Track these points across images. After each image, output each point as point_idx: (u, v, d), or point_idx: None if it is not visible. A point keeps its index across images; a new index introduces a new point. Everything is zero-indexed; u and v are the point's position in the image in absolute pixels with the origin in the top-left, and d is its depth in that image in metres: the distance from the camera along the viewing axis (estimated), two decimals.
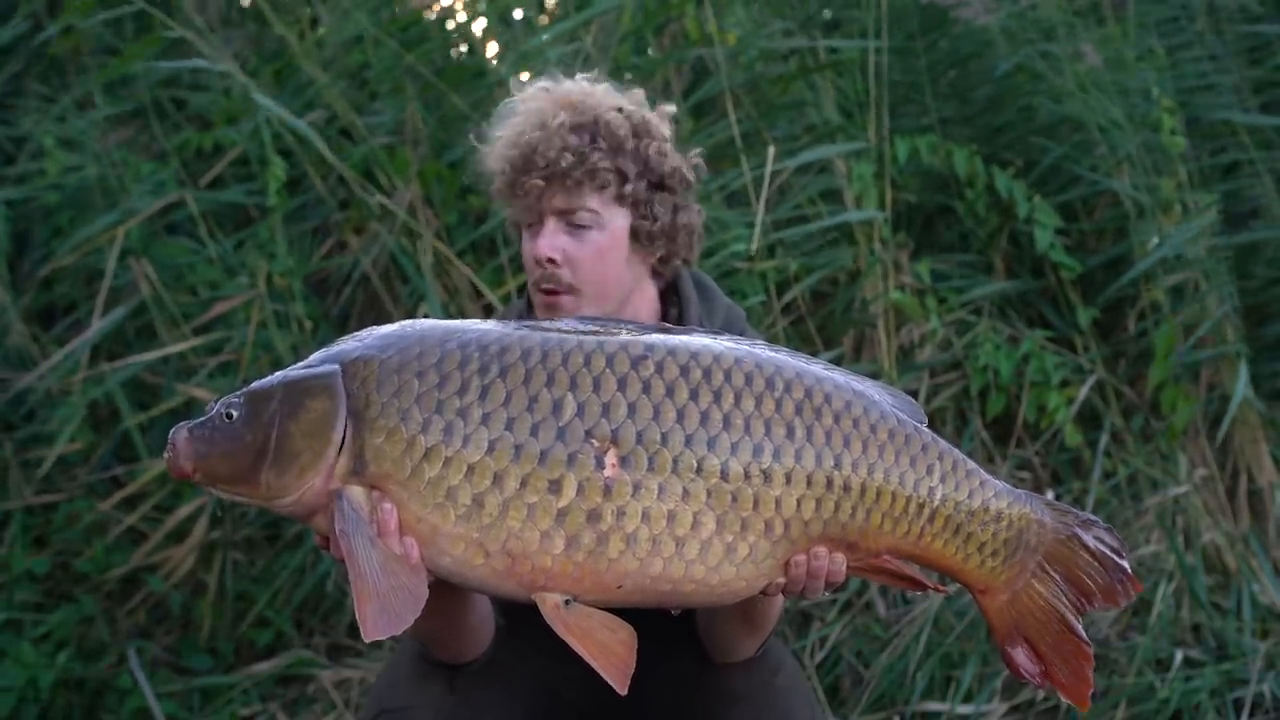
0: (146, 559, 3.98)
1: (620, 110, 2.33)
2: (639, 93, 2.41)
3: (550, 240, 2.29)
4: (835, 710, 3.71)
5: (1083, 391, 4.13)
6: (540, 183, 2.29)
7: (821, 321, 4.16)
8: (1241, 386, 4.03)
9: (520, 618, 2.25)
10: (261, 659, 3.95)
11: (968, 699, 3.68)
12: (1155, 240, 4.18)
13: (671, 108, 2.44)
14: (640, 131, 2.33)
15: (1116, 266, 4.34)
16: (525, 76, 4.06)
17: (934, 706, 3.67)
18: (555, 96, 2.34)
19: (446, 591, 1.95)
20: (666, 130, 2.37)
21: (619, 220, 2.31)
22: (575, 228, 2.30)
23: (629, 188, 2.30)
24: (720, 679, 2.30)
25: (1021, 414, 4.12)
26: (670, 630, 2.27)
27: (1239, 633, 3.81)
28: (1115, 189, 4.30)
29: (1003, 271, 4.36)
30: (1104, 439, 4.14)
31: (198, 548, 3.95)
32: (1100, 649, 3.81)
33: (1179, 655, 3.73)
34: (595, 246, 2.30)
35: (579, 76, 2.41)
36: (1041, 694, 3.72)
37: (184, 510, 3.93)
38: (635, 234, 2.32)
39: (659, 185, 2.33)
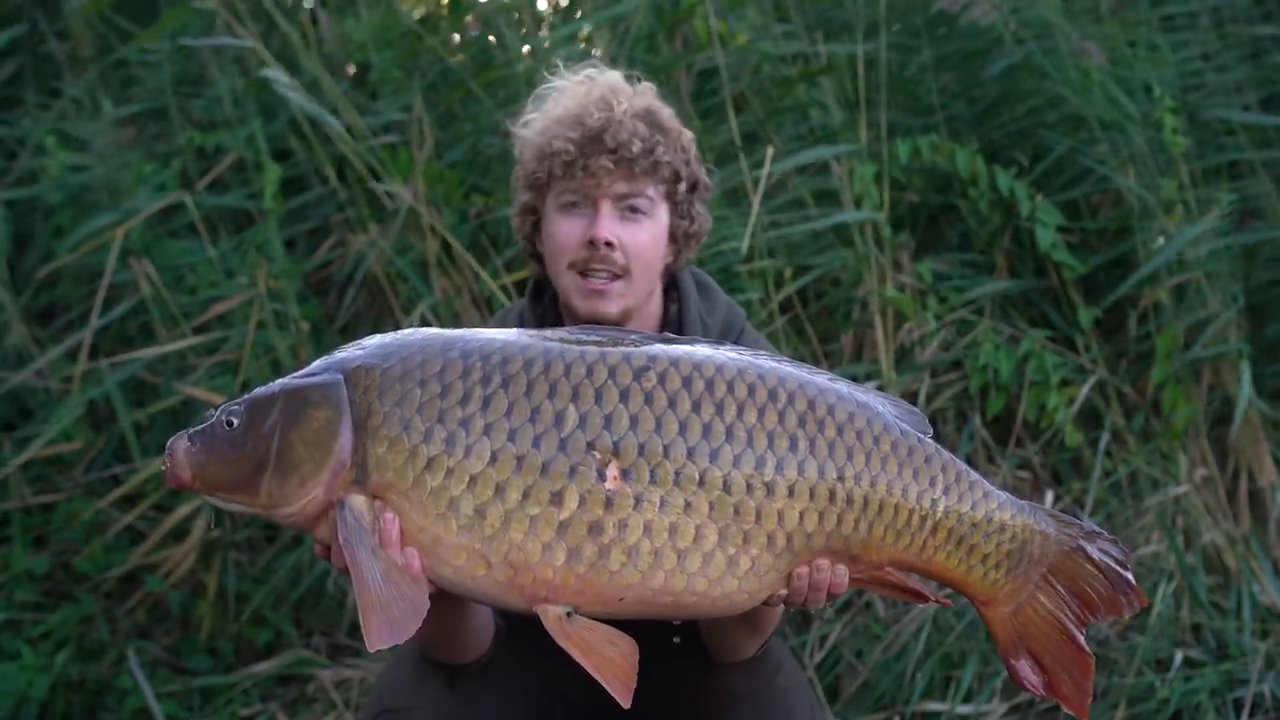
0: (145, 558, 3.98)
1: (672, 114, 2.36)
2: (651, 88, 2.41)
3: (609, 223, 2.28)
4: (835, 710, 3.71)
5: (1083, 391, 4.12)
6: (610, 165, 2.27)
7: (819, 321, 4.16)
8: (1246, 388, 4.02)
9: (520, 619, 2.25)
10: (261, 659, 3.95)
11: (968, 699, 3.68)
12: (1160, 241, 4.16)
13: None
14: (685, 139, 2.37)
15: (1118, 266, 4.33)
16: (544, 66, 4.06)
17: (934, 706, 3.67)
18: (616, 85, 2.35)
19: (446, 598, 1.95)
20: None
21: (665, 215, 2.34)
22: (631, 213, 2.30)
23: (681, 186, 2.33)
24: (720, 679, 2.30)
25: (1021, 413, 4.12)
26: (671, 630, 2.27)
27: (1239, 633, 3.81)
28: (1118, 187, 4.29)
29: (1005, 271, 4.35)
30: (1104, 439, 4.14)
31: (197, 547, 3.95)
32: (1100, 649, 3.81)
33: (1179, 655, 3.72)
34: (648, 233, 2.31)
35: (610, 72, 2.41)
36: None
37: (183, 510, 3.93)
38: (671, 232, 2.35)
39: (693, 189, 2.37)
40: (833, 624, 3.84)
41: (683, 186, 2.34)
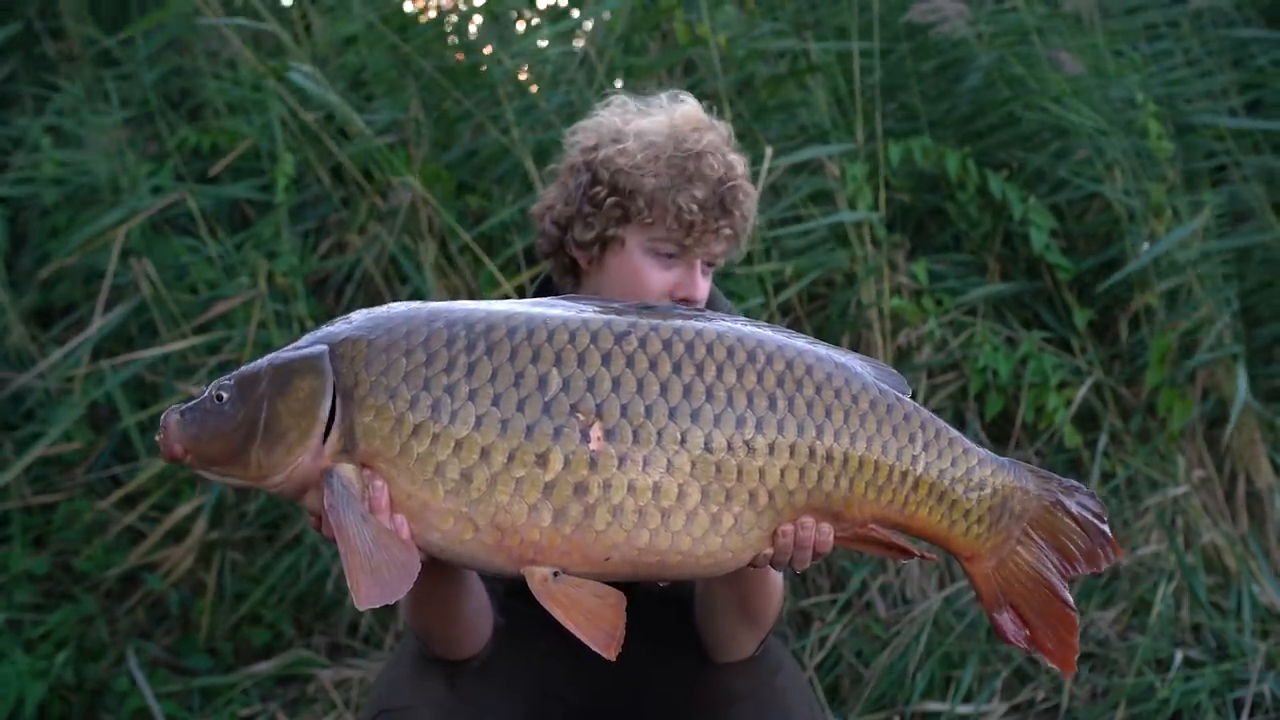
0: (145, 558, 4.00)
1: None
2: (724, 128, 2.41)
3: (701, 284, 2.32)
4: (835, 710, 3.71)
5: (1081, 393, 4.13)
6: (729, 231, 2.31)
7: (818, 323, 4.18)
8: (1242, 391, 4.03)
9: (520, 618, 2.26)
10: (261, 659, 3.96)
11: (968, 699, 3.68)
12: (1146, 246, 4.18)
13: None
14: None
15: (1109, 269, 4.35)
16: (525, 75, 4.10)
17: (934, 706, 3.67)
18: (723, 132, 2.35)
19: (443, 578, 1.97)
20: None
21: None
22: (708, 267, 2.34)
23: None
24: (719, 678, 2.30)
25: (1020, 415, 4.12)
26: (669, 630, 2.28)
27: (1239, 633, 3.81)
28: (1105, 194, 4.31)
29: (997, 273, 4.36)
30: (1103, 440, 4.14)
31: (196, 547, 3.97)
32: (1100, 649, 3.81)
33: (1179, 655, 3.72)
34: (708, 288, 2.36)
35: (684, 98, 2.40)
36: (1041, 694, 3.71)
37: (183, 510, 3.95)
38: None
39: None
40: (833, 624, 3.84)
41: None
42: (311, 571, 3.97)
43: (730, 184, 2.29)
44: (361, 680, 3.82)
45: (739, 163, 2.34)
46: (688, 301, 2.30)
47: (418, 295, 4.02)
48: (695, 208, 2.27)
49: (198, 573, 4.03)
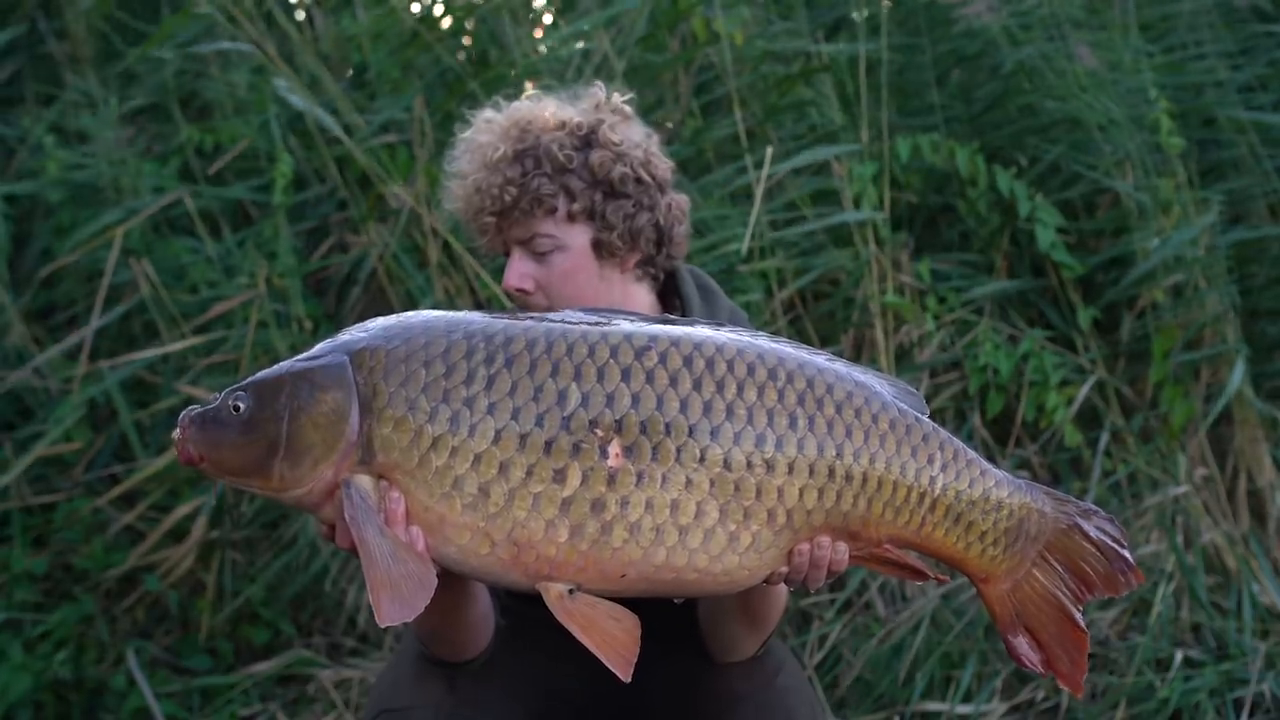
0: (145, 558, 3.99)
1: (563, 126, 2.32)
2: (596, 93, 2.38)
3: (517, 270, 2.31)
4: (835, 710, 3.71)
5: (1082, 391, 4.13)
6: (492, 219, 2.31)
7: (820, 321, 4.17)
8: (1236, 380, 4.03)
9: (521, 618, 2.26)
10: (261, 659, 3.96)
11: (967, 699, 3.68)
12: (1155, 242, 4.18)
13: (621, 101, 2.41)
14: (588, 142, 2.32)
15: (1115, 266, 4.35)
16: (526, 86, 4.08)
17: (934, 706, 3.67)
18: (498, 127, 2.34)
19: (449, 586, 1.96)
20: (618, 134, 2.33)
21: (579, 238, 2.31)
22: (538, 254, 2.31)
23: (576, 205, 2.29)
24: (721, 678, 2.30)
25: (1020, 413, 4.13)
26: (672, 630, 2.27)
27: (1239, 633, 3.81)
28: (1116, 189, 4.30)
29: (1004, 271, 4.36)
30: (1104, 438, 4.14)
31: (196, 547, 3.96)
32: (1100, 649, 3.82)
33: (1179, 655, 3.72)
34: (561, 269, 2.30)
35: (529, 91, 2.43)
36: (1041, 694, 3.72)
37: (182, 509, 3.94)
38: (597, 246, 2.32)
39: (610, 193, 2.32)
40: (832, 624, 3.84)
41: (588, 201, 2.30)
42: (311, 571, 3.96)
43: (483, 177, 2.29)
44: (361, 680, 3.82)
45: (508, 140, 2.30)
46: (523, 292, 2.30)
47: (420, 295, 4.01)
48: (462, 205, 2.33)
49: (197, 573, 4.02)
